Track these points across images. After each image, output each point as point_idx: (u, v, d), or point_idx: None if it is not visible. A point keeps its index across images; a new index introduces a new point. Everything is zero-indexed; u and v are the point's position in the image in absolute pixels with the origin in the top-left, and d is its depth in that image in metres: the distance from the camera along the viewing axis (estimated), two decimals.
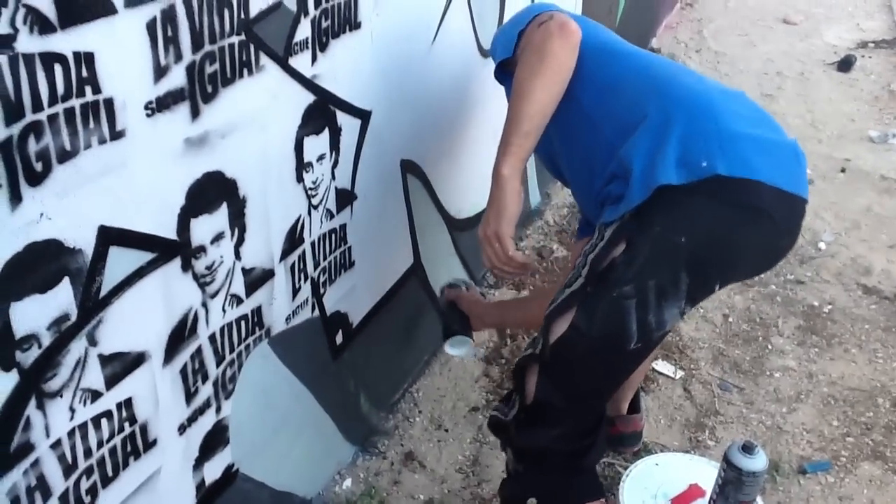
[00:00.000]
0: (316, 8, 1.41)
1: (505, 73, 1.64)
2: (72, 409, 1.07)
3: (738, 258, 1.46)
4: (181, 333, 1.25)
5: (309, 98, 1.45)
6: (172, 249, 1.19)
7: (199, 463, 1.40)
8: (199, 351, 1.31)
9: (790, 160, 1.45)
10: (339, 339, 1.81)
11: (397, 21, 1.72)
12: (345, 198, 1.67)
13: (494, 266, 1.55)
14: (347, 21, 1.53)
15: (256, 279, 1.41)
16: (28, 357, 0.97)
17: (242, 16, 1.22)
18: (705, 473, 1.68)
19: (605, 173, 1.49)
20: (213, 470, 1.44)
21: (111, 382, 1.13)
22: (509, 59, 1.60)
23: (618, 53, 1.60)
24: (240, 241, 1.34)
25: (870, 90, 4.96)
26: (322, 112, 1.51)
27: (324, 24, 1.45)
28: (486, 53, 2.29)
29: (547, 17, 1.53)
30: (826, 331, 2.68)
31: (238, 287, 1.37)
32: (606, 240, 1.42)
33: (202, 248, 1.25)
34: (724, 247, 1.41)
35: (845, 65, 5.32)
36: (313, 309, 1.66)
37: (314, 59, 1.44)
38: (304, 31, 1.39)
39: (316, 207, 1.56)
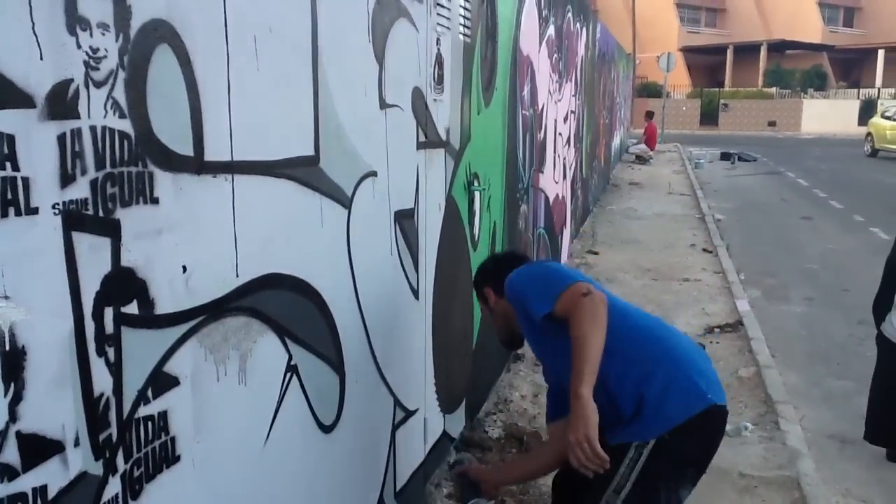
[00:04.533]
0: (126, 461, 1.46)
1: (527, 316, 2.40)
2: None
3: (713, 450, 2.35)
4: None
5: None
6: None
7: None
8: None
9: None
10: None
11: (222, 438, 1.79)
12: None
13: (582, 463, 2.05)
14: (164, 460, 1.58)
15: None
16: None
17: None
18: None
19: (630, 400, 2.24)
20: None
21: None
22: (551, 311, 2.25)
23: (627, 314, 2.41)
24: None
25: (720, 378, 5.30)
26: None
27: (136, 473, 1.49)
28: (328, 428, 2.38)
29: (586, 289, 2.22)
30: None
31: None
32: (646, 458, 2.21)
33: None
34: (707, 452, 2.33)
35: None
36: None
37: None
38: (112, 489, 1.43)
39: None
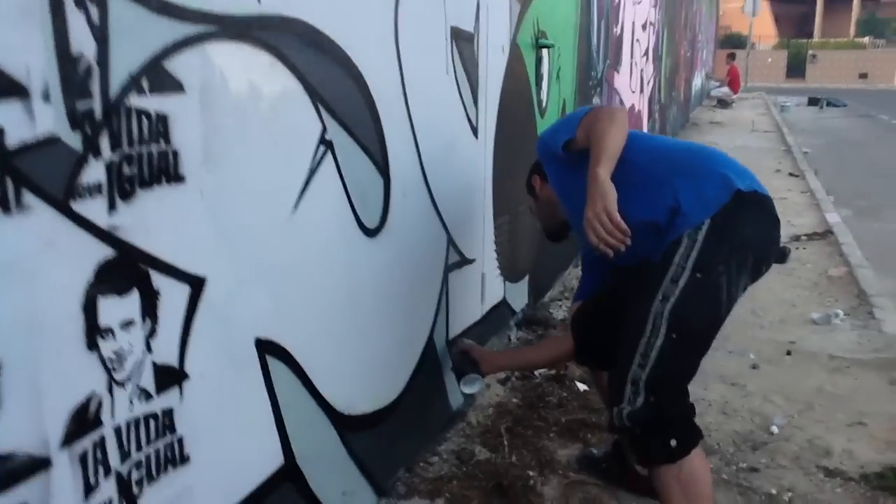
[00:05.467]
0: (113, 151, 1.25)
1: (552, 154, 2.24)
2: None
3: (771, 242, 2.09)
4: None
5: (104, 251, 1.25)
6: None
7: None
8: None
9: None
10: None
11: (240, 180, 1.57)
12: (169, 376, 1.41)
13: (602, 238, 1.93)
14: (163, 172, 1.36)
15: (18, 470, 1.12)
16: None
17: None
18: None
19: (664, 202, 2.01)
20: None
21: None
22: (572, 139, 2.14)
23: (646, 136, 2.36)
24: None
25: (808, 277, 4.92)
26: (125, 270, 1.29)
27: (126, 171, 1.28)
28: (371, 232, 2.15)
29: (602, 105, 2.31)
30: None
31: None
32: (702, 241, 1.94)
33: None
34: (764, 238, 2.05)
35: (781, 256, 5.30)
36: None
37: (112, 206, 1.25)
38: (93, 173, 1.21)
39: (121, 384, 1.30)
